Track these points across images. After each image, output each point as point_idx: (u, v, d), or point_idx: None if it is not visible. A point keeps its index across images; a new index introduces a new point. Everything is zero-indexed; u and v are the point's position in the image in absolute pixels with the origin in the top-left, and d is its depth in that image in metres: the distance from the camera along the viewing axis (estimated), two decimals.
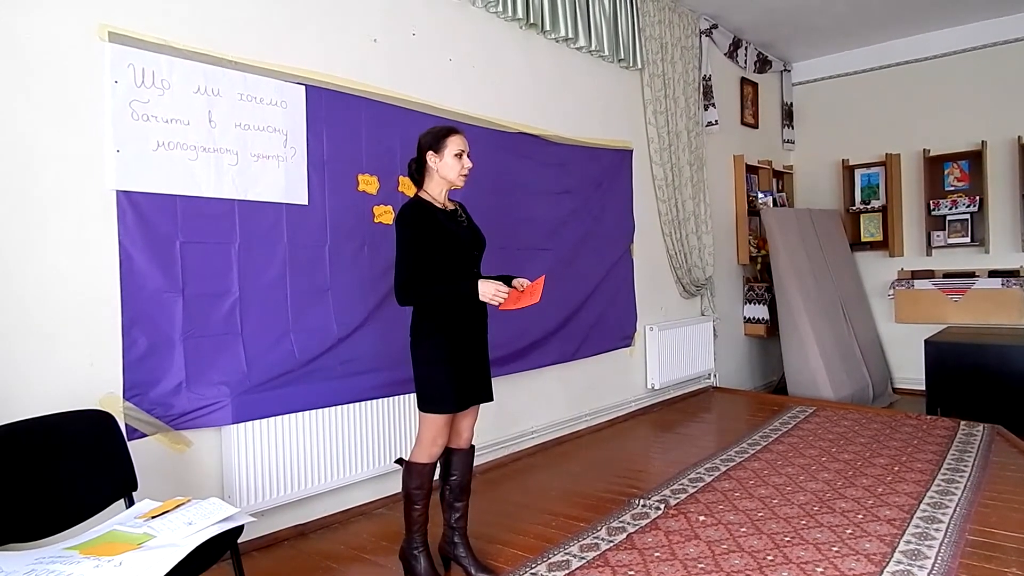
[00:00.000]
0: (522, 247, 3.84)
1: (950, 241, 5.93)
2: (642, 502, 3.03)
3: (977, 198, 5.74)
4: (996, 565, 2.33)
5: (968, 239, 5.85)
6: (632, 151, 4.76)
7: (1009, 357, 4.84)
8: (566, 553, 2.57)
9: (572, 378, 4.28)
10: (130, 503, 1.98)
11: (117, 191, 2.35)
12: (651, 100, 4.86)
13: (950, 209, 5.89)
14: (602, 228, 4.47)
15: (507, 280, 2.34)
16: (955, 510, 2.81)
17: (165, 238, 2.46)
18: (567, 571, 2.41)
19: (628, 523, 2.82)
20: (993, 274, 5.67)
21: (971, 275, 5.78)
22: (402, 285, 2.23)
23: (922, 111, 6.07)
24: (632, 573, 2.38)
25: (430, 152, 2.31)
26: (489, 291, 2.21)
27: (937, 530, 2.62)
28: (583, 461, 3.81)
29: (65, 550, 1.67)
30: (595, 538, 2.69)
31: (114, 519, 1.85)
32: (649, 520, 2.84)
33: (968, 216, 5.86)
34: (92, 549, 1.66)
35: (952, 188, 6.01)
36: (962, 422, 4.22)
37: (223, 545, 1.81)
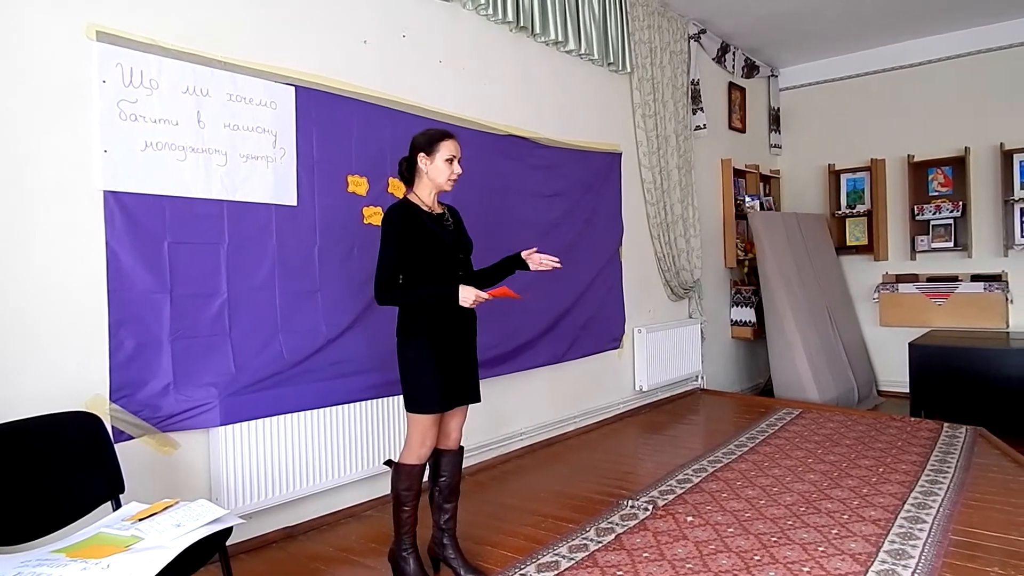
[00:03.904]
0: (511, 250, 3.82)
1: (934, 246, 6.01)
2: (631, 503, 3.04)
3: (960, 203, 5.83)
4: (979, 564, 2.37)
5: (951, 244, 5.93)
6: (621, 154, 4.79)
7: (991, 360, 4.92)
8: (555, 554, 2.57)
9: (561, 380, 4.29)
10: (117, 505, 1.97)
11: (105, 191, 2.33)
12: (640, 104, 4.89)
13: (934, 214, 5.97)
14: (591, 231, 4.48)
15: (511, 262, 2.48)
16: (938, 510, 2.85)
17: (153, 239, 2.45)
18: (556, 572, 2.42)
19: (617, 524, 2.83)
20: (976, 278, 5.76)
21: (954, 279, 5.86)
22: (381, 285, 2.24)
23: (907, 117, 6.14)
24: (621, 573, 2.39)
25: (422, 154, 2.32)
26: (469, 297, 2.23)
27: (921, 530, 2.65)
28: (572, 463, 3.82)
29: (52, 553, 1.66)
30: (584, 539, 2.70)
31: (101, 522, 1.84)
32: (637, 521, 2.85)
33: (951, 221, 5.94)
34: (79, 552, 1.65)
35: (936, 193, 6.09)
36: (945, 424, 4.27)
37: (211, 547, 1.80)
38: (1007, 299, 5.62)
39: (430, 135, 2.34)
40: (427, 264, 2.28)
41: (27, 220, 2.19)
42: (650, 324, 5.02)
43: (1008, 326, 5.62)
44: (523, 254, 2.48)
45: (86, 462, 1.96)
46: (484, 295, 2.24)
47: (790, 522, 2.78)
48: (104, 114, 2.32)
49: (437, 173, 2.32)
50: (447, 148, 2.32)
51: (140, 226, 2.41)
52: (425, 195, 2.36)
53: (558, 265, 2.49)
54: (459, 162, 2.35)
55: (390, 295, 2.25)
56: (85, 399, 2.26)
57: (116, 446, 2.07)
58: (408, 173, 2.38)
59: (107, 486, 1.98)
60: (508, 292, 2.28)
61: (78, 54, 2.28)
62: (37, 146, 2.21)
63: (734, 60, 6.08)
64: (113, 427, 2.30)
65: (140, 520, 1.77)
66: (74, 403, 2.16)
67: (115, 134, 2.35)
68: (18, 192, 2.17)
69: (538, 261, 2.47)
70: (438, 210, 2.39)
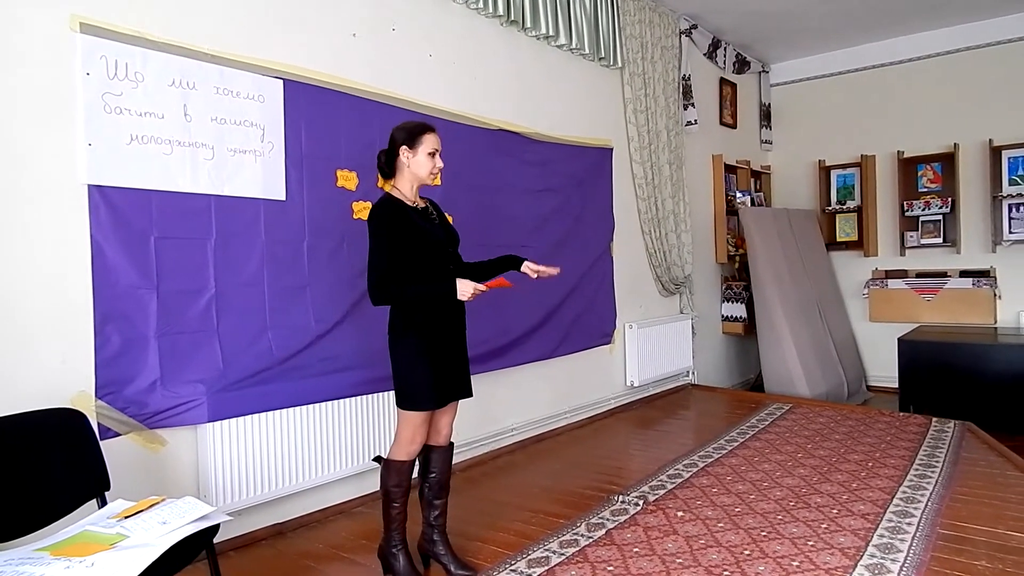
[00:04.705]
0: (503, 245, 3.81)
1: (923, 241, 6.04)
2: (621, 498, 3.04)
3: (949, 199, 5.86)
4: (966, 558, 2.38)
5: (940, 240, 5.97)
6: (612, 150, 4.78)
7: (979, 355, 4.95)
8: (546, 549, 2.57)
9: (552, 375, 4.29)
10: (103, 503, 1.95)
11: (89, 185, 2.30)
12: (631, 99, 4.88)
13: (923, 210, 6.00)
14: (583, 226, 4.48)
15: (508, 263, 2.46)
16: (927, 505, 2.86)
17: (139, 233, 2.42)
18: (547, 567, 2.42)
19: (607, 519, 2.84)
20: (964, 274, 5.79)
21: (943, 275, 5.89)
22: (376, 284, 2.21)
23: (897, 114, 6.17)
24: (611, 568, 2.39)
25: (403, 147, 2.30)
26: (468, 290, 2.21)
27: (909, 524, 2.67)
28: (563, 458, 3.82)
29: (35, 551, 1.64)
30: (575, 534, 2.70)
31: (86, 519, 1.82)
32: (628, 516, 2.85)
33: (940, 217, 5.97)
34: (63, 550, 1.63)
35: (925, 189, 6.12)
36: (934, 419, 4.30)
37: (198, 545, 1.79)
38: (995, 295, 5.66)
39: (411, 129, 2.32)
40: (419, 260, 2.26)
41: (10, 215, 2.15)
42: (641, 320, 5.02)
43: (996, 322, 5.66)
44: (524, 267, 2.45)
45: (71, 459, 1.94)
46: (482, 287, 2.23)
47: (780, 517, 2.79)
48: (88, 107, 2.29)
49: (419, 167, 2.30)
50: (429, 142, 2.30)
51: (126, 221, 2.38)
52: (407, 189, 2.34)
53: (555, 272, 2.47)
54: (440, 155, 2.34)
55: (386, 294, 2.22)
56: (70, 396, 2.24)
57: (102, 443, 2.06)
58: (388, 167, 2.36)
59: (92, 483, 1.96)
60: (503, 282, 2.27)
61: (61, 46, 2.25)
62: (20, 140, 2.17)
63: (725, 56, 6.08)
64: (99, 424, 2.28)
65: (126, 518, 1.75)
66: (59, 400, 2.14)
67: (100, 127, 2.32)
68: (0, 186, 2.13)
69: (536, 272, 2.45)
70: (421, 204, 2.38)
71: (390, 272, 2.21)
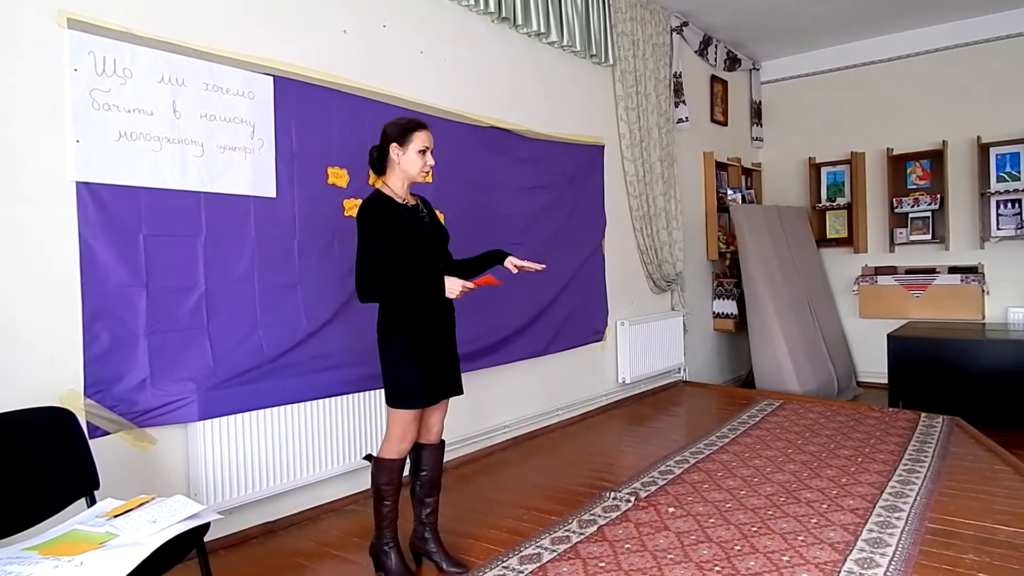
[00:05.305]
0: (495, 243, 3.79)
1: (912, 238, 6.08)
2: (613, 495, 3.05)
3: (938, 196, 5.90)
4: (955, 551, 2.40)
5: (929, 236, 6.01)
6: (604, 147, 4.78)
7: (967, 351, 4.99)
8: (537, 546, 2.57)
9: (544, 373, 4.29)
10: (92, 502, 1.94)
11: (77, 182, 2.28)
12: (623, 96, 4.89)
13: (912, 207, 6.04)
14: (574, 224, 4.48)
15: (493, 257, 2.47)
16: (915, 499, 2.89)
17: (128, 231, 2.40)
18: (538, 564, 2.42)
19: (599, 516, 2.84)
20: (953, 270, 5.84)
21: (932, 271, 5.94)
22: (364, 282, 2.19)
23: (886, 111, 6.20)
24: (603, 565, 2.40)
25: (394, 144, 2.29)
26: (456, 288, 2.21)
27: (898, 519, 2.69)
28: (555, 455, 3.83)
29: (24, 550, 1.63)
30: (566, 531, 2.70)
31: (75, 518, 1.81)
32: (620, 512, 2.86)
33: (929, 214, 6.01)
34: (52, 549, 1.62)
35: (914, 186, 6.15)
36: (923, 414, 4.33)
37: (189, 543, 1.79)
38: (983, 291, 5.70)
39: (402, 125, 2.31)
40: (408, 258, 2.25)
41: None
42: (633, 317, 5.03)
43: (984, 317, 5.71)
44: (507, 262, 2.46)
45: (60, 458, 1.92)
46: (470, 285, 2.23)
47: (770, 512, 2.81)
48: (76, 103, 2.27)
49: (410, 164, 2.29)
50: (420, 139, 2.29)
51: (114, 218, 2.37)
52: (398, 186, 2.33)
53: (540, 268, 2.49)
54: (431, 153, 2.33)
55: (374, 293, 2.21)
56: (59, 394, 2.22)
57: (91, 442, 2.04)
58: (379, 163, 2.35)
59: (81, 482, 1.95)
60: (492, 280, 2.27)
61: (48, 42, 2.23)
62: (6, 136, 2.15)
63: (716, 53, 6.09)
64: (88, 423, 2.26)
65: (115, 516, 1.74)
66: (48, 398, 2.13)
67: (88, 124, 2.30)
68: None
69: (518, 268, 2.46)
70: (412, 202, 2.37)
71: (378, 270, 2.20)
